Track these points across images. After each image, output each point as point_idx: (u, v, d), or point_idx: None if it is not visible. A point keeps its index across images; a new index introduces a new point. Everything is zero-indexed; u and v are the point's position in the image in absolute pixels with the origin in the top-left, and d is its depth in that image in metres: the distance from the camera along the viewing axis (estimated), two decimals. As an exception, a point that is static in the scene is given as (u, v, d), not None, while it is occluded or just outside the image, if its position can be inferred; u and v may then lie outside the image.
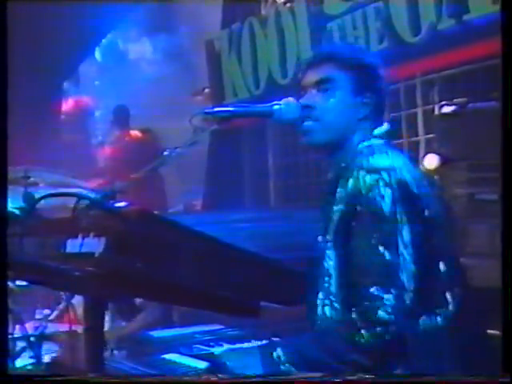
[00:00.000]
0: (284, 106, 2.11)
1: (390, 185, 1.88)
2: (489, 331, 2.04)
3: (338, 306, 1.94)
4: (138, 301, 3.54)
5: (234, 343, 2.36)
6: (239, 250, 1.99)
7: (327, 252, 1.99)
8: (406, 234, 1.86)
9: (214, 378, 1.88)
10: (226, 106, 2.12)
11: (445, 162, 3.32)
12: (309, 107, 2.09)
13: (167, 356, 2.30)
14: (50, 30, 6.75)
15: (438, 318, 1.90)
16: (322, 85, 2.10)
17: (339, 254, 1.95)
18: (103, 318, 2.03)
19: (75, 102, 8.80)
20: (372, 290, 1.83)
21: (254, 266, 2.01)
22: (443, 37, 4.13)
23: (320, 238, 2.04)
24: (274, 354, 1.87)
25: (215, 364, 1.94)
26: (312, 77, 2.13)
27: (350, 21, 4.74)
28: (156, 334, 2.67)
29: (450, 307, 1.91)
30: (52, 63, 7.06)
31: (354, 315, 1.84)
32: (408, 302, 1.82)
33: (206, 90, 6.43)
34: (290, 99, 2.12)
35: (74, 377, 1.84)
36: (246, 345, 2.31)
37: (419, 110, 4.64)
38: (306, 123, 2.10)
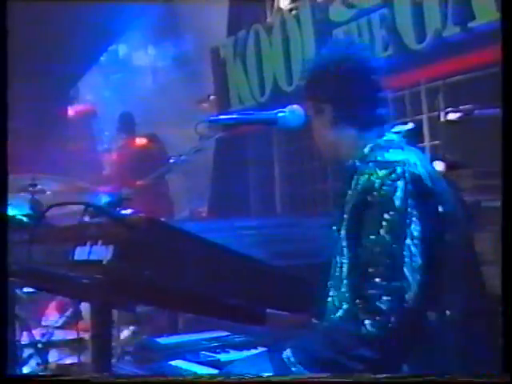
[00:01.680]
0: (288, 113, 2.12)
1: (403, 178, 1.88)
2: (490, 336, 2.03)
3: (348, 298, 1.92)
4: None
5: (241, 350, 2.37)
6: (245, 257, 2.00)
7: (340, 244, 1.98)
8: (415, 227, 1.85)
9: (214, 379, 1.88)
10: (231, 114, 2.13)
11: (450, 168, 3.31)
12: None
13: (173, 362, 2.31)
14: (56, 37, 6.78)
15: (442, 316, 1.87)
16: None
17: (351, 245, 1.94)
18: (110, 325, 2.04)
19: (81, 109, 8.83)
20: (375, 280, 1.82)
21: (260, 273, 2.02)
22: (448, 44, 4.13)
23: (334, 230, 2.03)
24: (284, 356, 1.85)
25: (224, 372, 1.93)
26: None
27: (355, 28, 4.75)
28: (162, 340, 2.67)
29: (455, 306, 1.89)
30: (58, 70, 7.09)
31: (357, 306, 1.83)
32: (410, 294, 1.81)
33: (212, 98, 6.44)
34: (295, 106, 2.13)
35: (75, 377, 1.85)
36: (252, 351, 2.31)
37: (424, 117, 4.65)
38: None
